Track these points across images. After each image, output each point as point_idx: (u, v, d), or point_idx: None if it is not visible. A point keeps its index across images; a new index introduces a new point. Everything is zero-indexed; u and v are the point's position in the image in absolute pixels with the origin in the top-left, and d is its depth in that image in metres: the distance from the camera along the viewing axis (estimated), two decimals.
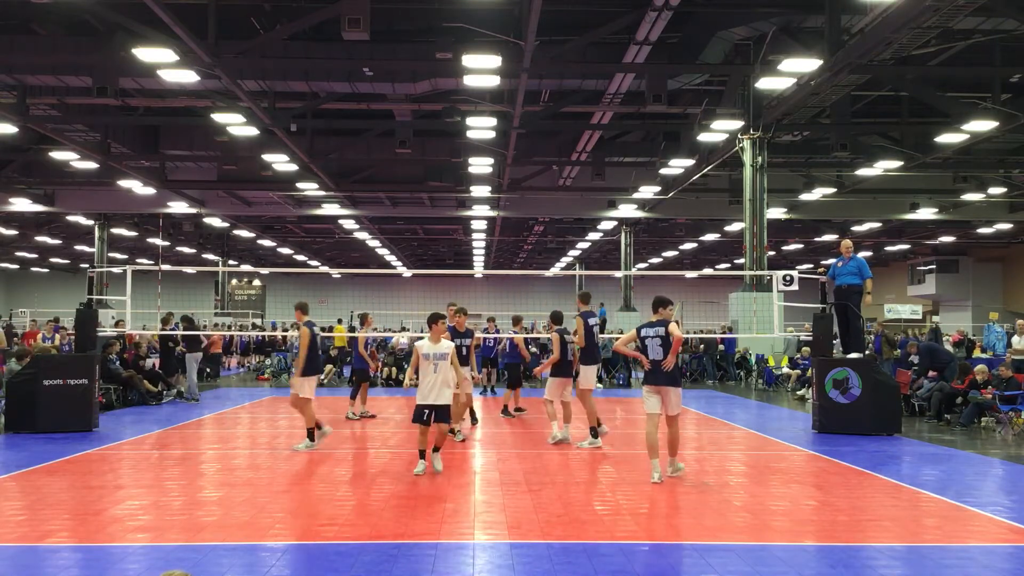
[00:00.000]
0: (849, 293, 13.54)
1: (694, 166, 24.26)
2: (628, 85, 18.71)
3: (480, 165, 25.07)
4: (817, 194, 28.27)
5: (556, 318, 12.28)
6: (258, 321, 43.85)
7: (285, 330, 30.48)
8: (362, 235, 40.91)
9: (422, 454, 9.25)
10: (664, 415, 9.04)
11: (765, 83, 17.45)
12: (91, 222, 35.45)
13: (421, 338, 9.72)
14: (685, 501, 8.07)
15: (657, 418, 8.99)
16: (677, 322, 9.11)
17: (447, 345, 9.30)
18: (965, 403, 14.02)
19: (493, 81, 17.18)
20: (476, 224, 36.60)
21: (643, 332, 9.18)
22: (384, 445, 11.72)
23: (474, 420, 13.45)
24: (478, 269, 55.29)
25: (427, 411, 9.14)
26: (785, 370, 21.62)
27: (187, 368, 17.81)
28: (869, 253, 45.74)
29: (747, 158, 20.52)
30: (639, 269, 43.48)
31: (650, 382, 9.04)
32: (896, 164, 24.14)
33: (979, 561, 6.19)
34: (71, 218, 35.69)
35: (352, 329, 27.74)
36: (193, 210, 31.92)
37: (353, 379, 15.09)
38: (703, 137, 21.20)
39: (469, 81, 17.23)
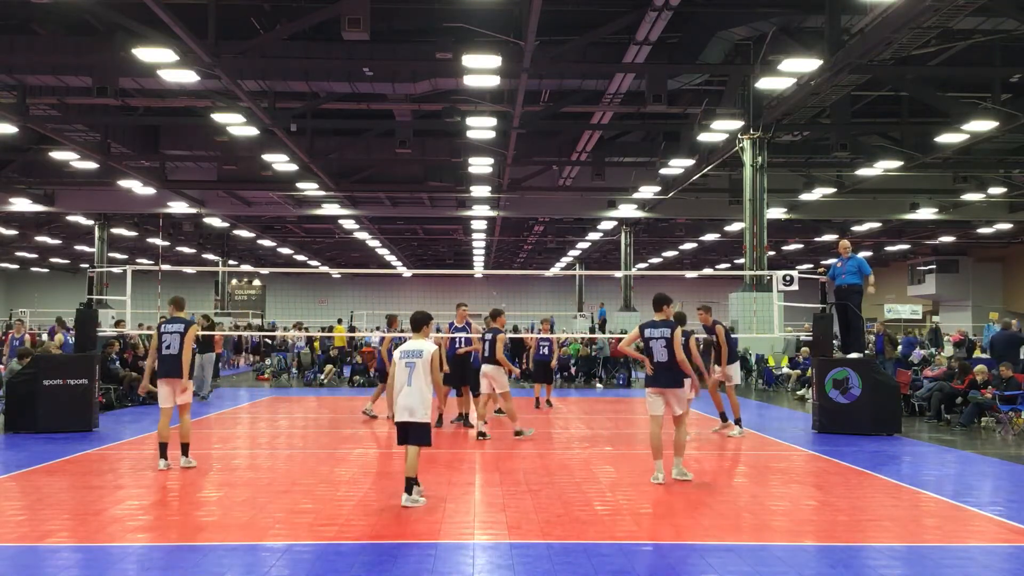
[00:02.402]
0: (849, 293, 13.55)
1: (694, 166, 24.26)
2: (628, 85, 18.71)
3: (480, 165, 25.07)
4: (817, 194, 28.26)
5: (682, 319, 12.71)
6: (258, 321, 43.86)
7: (281, 330, 30.52)
8: (362, 235, 40.92)
9: (408, 484, 7.64)
10: (670, 416, 8.96)
11: (765, 83, 17.45)
12: (91, 222, 35.46)
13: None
14: (685, 501, 8.07)
15: (660, 419, 8.88)
16: (682, 328, 9.00)
17: (426, 345, 7.79)
18: (965, 403, 14.02)
19: (493, 81, 17.18)
20: (476, 224, 36.60)
21: (647, 332, 8.88)
22: (384, 445, 11.72)
23: (468, 424, 13.39)
24: (478, 269, 55.29)
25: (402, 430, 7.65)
26: (785, 370, 21.62)
27: (204, 367, 17.93)
28: (869, 253, 45.72)
29: (747, 158, 20.52)
30: (639, 269, 43.47)
31: (653, 384, 8.86)
32: (896, 164, 24.14)
33: (979, 561, 6.19)
34: (71, 218, 35.69)
35: (351, 329, 27.71)
36: (193, 210, 31.93)
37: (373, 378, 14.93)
38: (703, 137, 21.19)
39: (469, 81, 17.23)
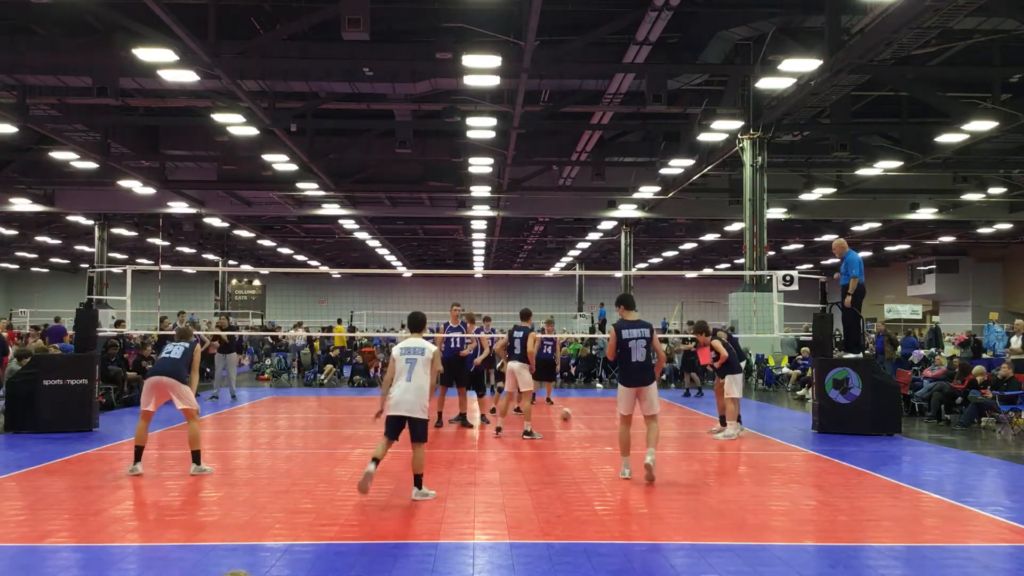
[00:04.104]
0: (844, 292, 13.63)
1: (694, 166, 24.25)
2: (628, 85, 18.70)
3: (480, 165, 25.05)
4: (817, 194, 28.25)
5: (703, 328, 13.10)
6: (258, 322, 43.85)
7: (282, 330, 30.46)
8: (362, 235, 40.91)
9: (375, 460, 7.79)
10: (642, 415, 9.01)
11: (765, 83, 17.44)
12: (91, 222, 35.43)
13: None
14: (685, 501, 8.07)
15: (630, 420, 9.03)
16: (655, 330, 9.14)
17: (427, 344, 8.15)
18: (965, 403, 14.02)
19: (493, 81, 17.17)
20: (476, 224, 36.59)
21: (625, 333, 8.87)
22: None
23: (467, 424, 13.41)
24: (478, 269, 55.28)
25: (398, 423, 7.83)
26: (785, 370, 21.62)
27: (227, 368, 17.88)
28: (869, 253, 45.69)
29: (747, 158, 20.51)
30: (639, 269, 43.45)
31: (630, 383, 8.89)
32: (896, 164, 24.12)
33: (979, 561, 6.20)
34: (71, 218, 35.67)
35: (351, 329, 27.60)
36: (193, 210, 31.91)
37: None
38: (703, 137, 21.19)
39: (469, 81, 17.22)
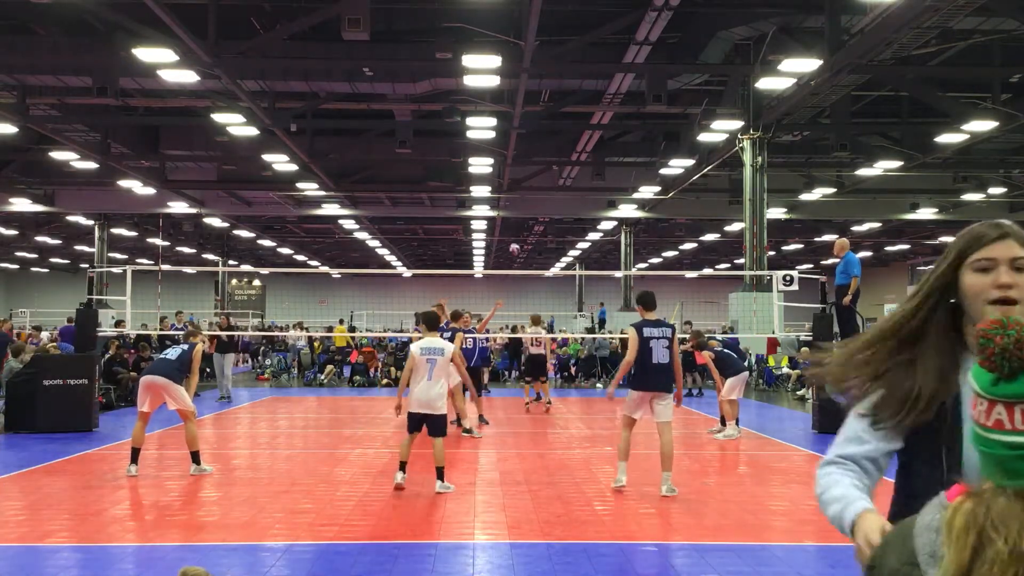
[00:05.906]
0: (838, 293, 13.65)
1: (694, 166, 24.24)
2: (628, 85, 18.70)
3: (480, 165, 25.05)
4: (817, 194, 28.25)
5: (703, 345, 13.45)
6: (257, 322, 43.85)
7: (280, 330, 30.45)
8: (362, 235, 40.90)
9: (402, 465, 8.31)
10: (655, 422, 8.34)
11: (765, 83, 17.43)
12: (91, 222, 35.43)
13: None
14: (685, 501, 8.07)
15: (634, 424, 8.38)
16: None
17: (446, 344, 8.46)
18: None
19: (493, 81, 17.17)
20: (476, 224, 36.59)
21: (646, 331, 8.29)
22: (384, 445, 11.72)
23: (480, 422, 13.45)
24: (478, 269, 55.29)
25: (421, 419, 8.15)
26: (785, 370, 21.61)
27: (224, 367, 17.85)
28: (869, 253, 45.66)
29: (747, 158, 20.50)
30: (639, 269, 43.45)
31: (646, 387, 8.23)
32: (896, 164, 24.12)
33: None
34: (71, 218, 35.66)
35: (351, 329, 27.59)
36: (193, 210, 31.91)
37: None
38: (703, 137, 21.18)
39: (469, 81, 17.22)
